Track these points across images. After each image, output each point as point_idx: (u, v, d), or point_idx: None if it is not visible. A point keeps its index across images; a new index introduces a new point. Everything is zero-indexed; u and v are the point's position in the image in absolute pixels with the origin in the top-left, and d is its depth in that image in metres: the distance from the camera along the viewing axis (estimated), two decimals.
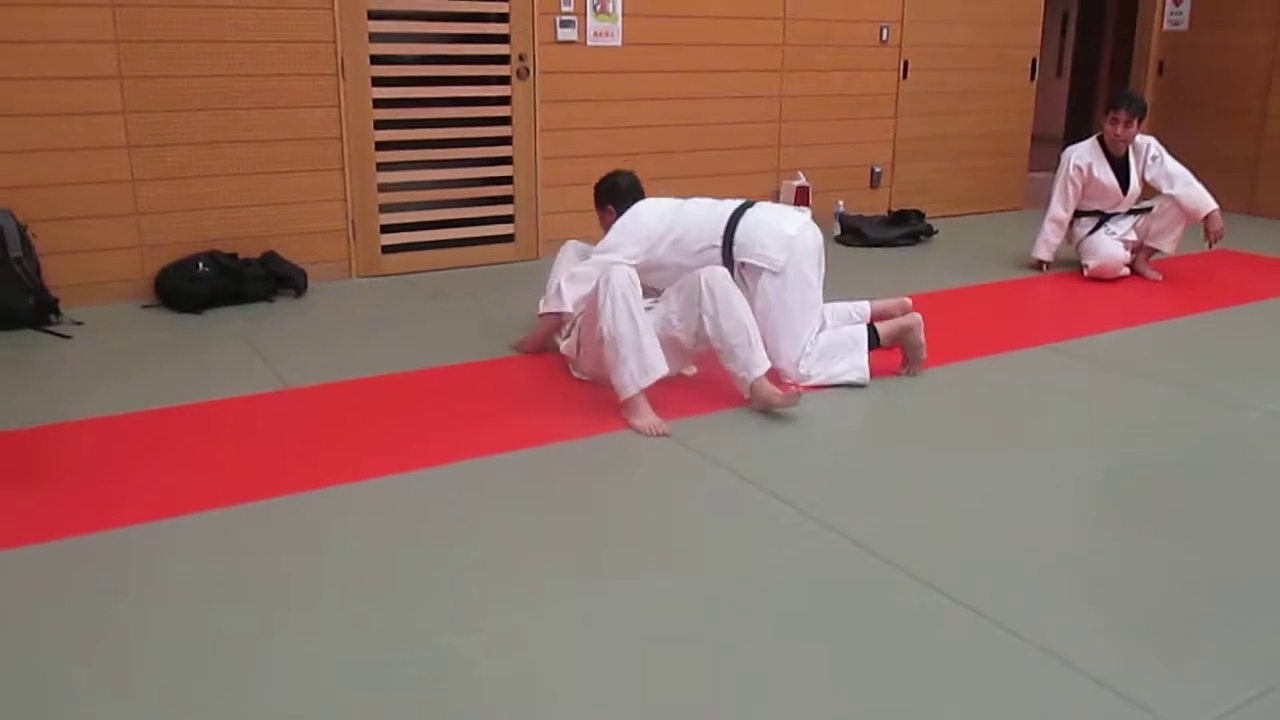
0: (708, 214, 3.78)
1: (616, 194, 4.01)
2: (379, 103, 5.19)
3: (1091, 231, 5.44)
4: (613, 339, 3.28)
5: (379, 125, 5.22)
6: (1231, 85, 7.56)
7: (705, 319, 3.37)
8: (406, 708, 1.91)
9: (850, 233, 6.39)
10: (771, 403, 3.32)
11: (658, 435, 3.21)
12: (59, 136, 4.51)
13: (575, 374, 3.67)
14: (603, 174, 4.11)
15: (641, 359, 3.28)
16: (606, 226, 3.97)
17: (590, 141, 5.76)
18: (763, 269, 3.60)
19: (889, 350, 3.78)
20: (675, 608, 2.25)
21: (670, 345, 3.44)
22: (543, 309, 3.84)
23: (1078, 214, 5.50)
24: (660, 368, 3.30)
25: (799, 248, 3.61)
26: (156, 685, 1.97)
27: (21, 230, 4.36)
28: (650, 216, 3.83)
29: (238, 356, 4.00)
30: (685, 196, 4.08)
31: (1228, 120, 7.57)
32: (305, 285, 4.96)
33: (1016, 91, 7.46)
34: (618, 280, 3.31)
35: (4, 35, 4.34)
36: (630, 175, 4.07)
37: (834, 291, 4.16)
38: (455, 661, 2.05)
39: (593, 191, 4.10)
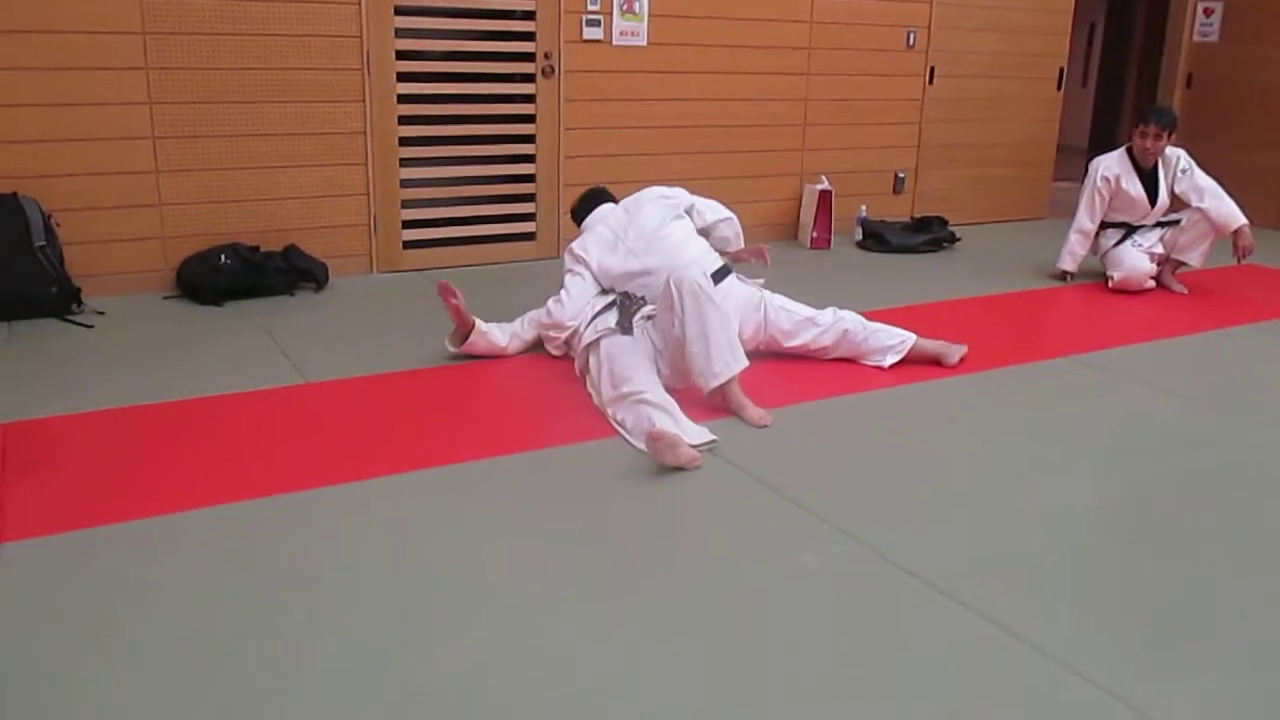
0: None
1: (579, 217, 4.14)
2: (403, 98, 5.20)
3: (1118, 243, 5.39)
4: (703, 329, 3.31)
5: (403, 121, 5.22)
6: (1263, 99, 7.48)
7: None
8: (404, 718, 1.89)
9: (872, 238, 6.36)
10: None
11: (764, 425, 3.27)
12: (84, 126, 4.53)
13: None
14: (625, 173, 4.11)
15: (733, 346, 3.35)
16: None
17: (614, 141, 5.75)
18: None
19: (914, 355, 3.90)
20: (690, 616, 2.23)
21: (671, 361, 3.48)
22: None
23: (1104, 225, 5.45)
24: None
25: None
26: (156, 688, 1.96)
27: (45, 219, 4.38)
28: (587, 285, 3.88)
29: (257, 349, 4.00)
30: (701, 195, 4.14)
31: (1258, 134, 7.49)
32: (326, 279, 4.96)
33: (1042, 100, 7.41)
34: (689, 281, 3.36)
35: (31, 25, 4.35)
36: (581, 201, 4.16)
37: (855, 298, 4.14)
38: (472, 665, 2.03)
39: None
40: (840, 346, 3.90)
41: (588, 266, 3.85)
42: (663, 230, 3.87)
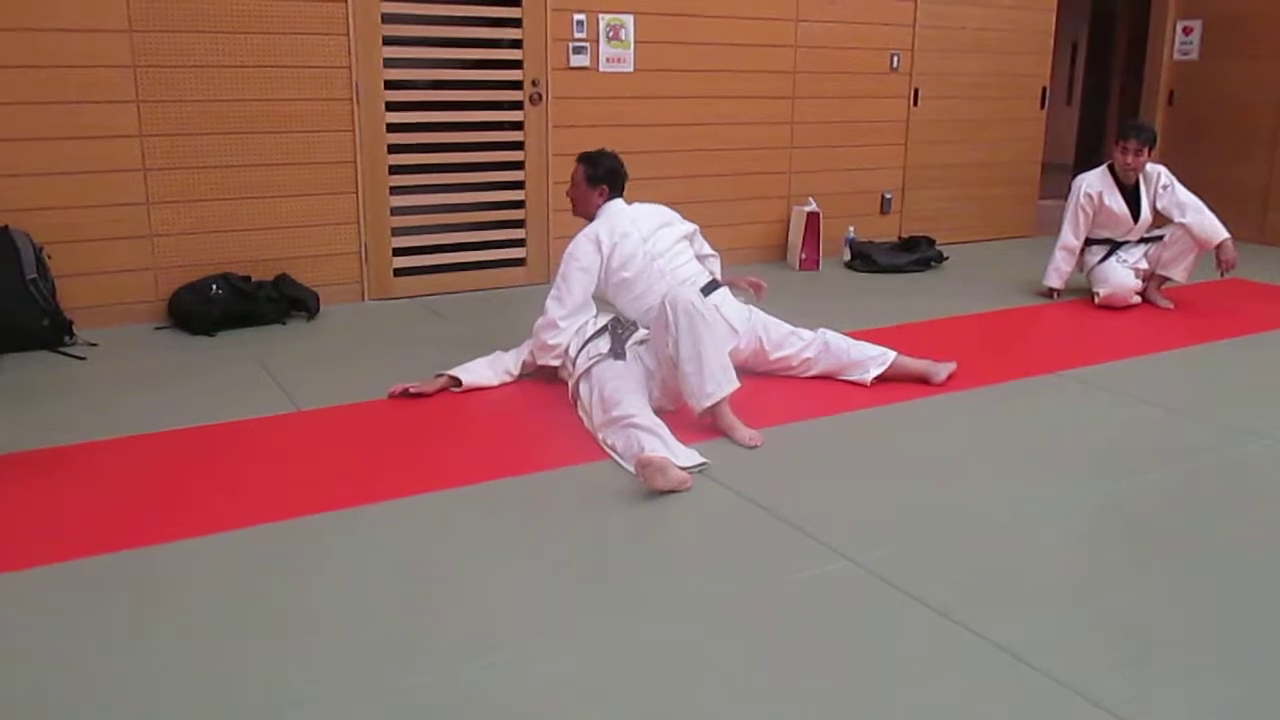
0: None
1: (615, 180, 3.99)
2: (392, 127, 5.24)
3: (1103, 260, 5.44)
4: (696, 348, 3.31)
5: (392, 149, 5.26)
6: (1242, 115, 7.56)
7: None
8: None
9: (860, 259, 6.40)
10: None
11: (755, 446, 3.28)
12: (76, 159, 4.55)
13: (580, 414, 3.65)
14: None
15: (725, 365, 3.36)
16: (584, 201, 3.99)
17: None
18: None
19: (900, 374, 3.94)
20: (683, 636, 2.25)
21: (663, 384, 3.51)
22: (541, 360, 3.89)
23: (1089, 242, 5.50)
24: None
25: None
26: (168, 712, 1.96)
27: (37, 252, 4.39)
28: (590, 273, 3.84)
29: (250, 378, 4.02)
30: (692, 222, 4.16)
31: (1238, 149, 7.57)
32: (317, 308, 4.98)
33: (1026, 119, 7.49)
34: (684, 300, 3.35)
35: (23, 59, 4.39)
36: (620, 162, 4.01)
37: (844, 318, 4.17)
38: (469, 690, 2.04)
39: (584, 158, 4.00)
40: (823, 360, 3.94)
41: (599, 261, 3.82)
42: (675, 248, 3.95)
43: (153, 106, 4.66)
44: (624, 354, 3.55)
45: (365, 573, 2.50)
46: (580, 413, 3.54)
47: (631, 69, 5.82)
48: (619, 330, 3.66)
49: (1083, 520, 2.87)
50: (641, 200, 4.08)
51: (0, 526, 2.71)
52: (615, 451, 3.20)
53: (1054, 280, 5.52)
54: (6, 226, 4.37)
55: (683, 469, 3.00)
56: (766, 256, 6.52)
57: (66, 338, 4.42)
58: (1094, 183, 5.40)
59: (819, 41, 6.41)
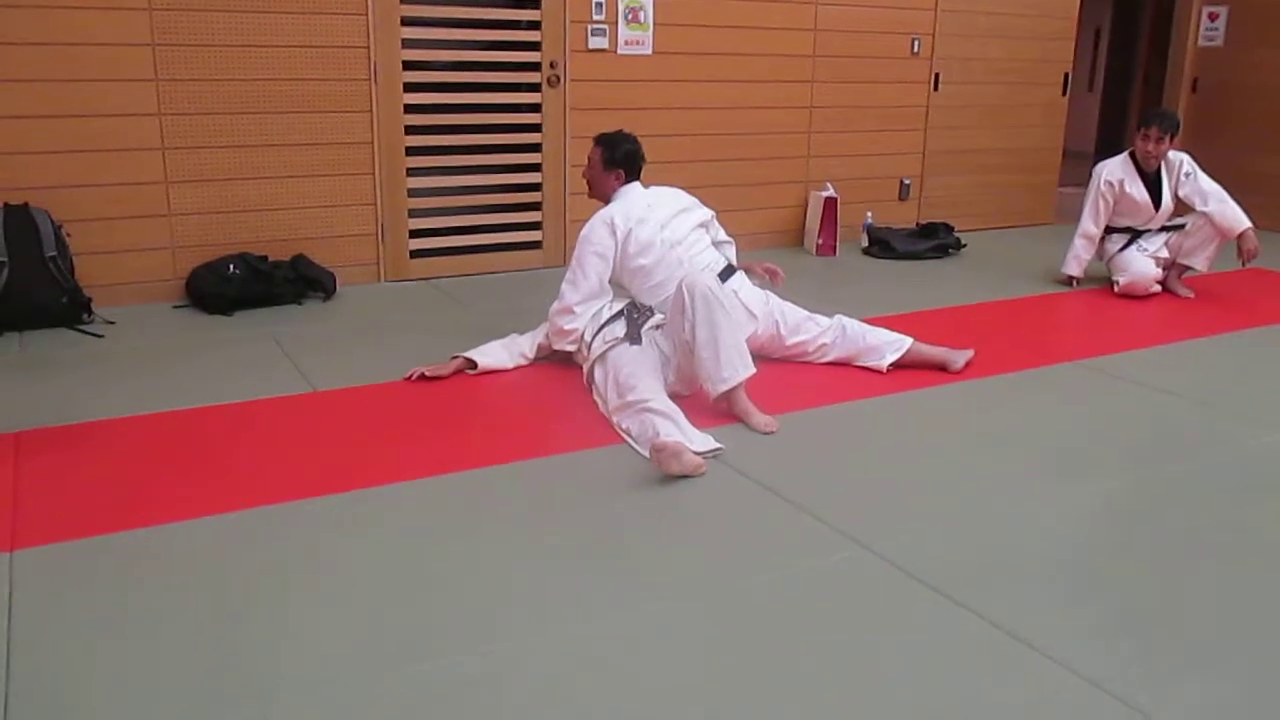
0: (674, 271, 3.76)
1: (633, 163, 3.94)
2: (410, 108, 5.23)
3: (1123, 248, 5.39)
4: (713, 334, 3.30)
5: (409, 130, 5.25)
6: (1267, 102, 7.48)
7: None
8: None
9: (878, 245, 6.37)
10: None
11: (770, 432, 3.28)
12: (95, 137, 4.57)
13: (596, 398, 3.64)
14: None
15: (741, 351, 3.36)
16: (600, 184, 3.95)
17: None
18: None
19: (917, 361, 3.92)
20: (696, 621, 2.25)
21: (679, 369, 3.50)
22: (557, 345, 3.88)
23: (1109, 230, 5.46)
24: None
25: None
26: (172, 690, 1.97)
27: (56, 229, 4.41)
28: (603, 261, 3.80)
29: (266, 358, 4.03)
30: (709, 207, 4.12)
31: (1263, 138, 7.49)
32: (334, 288, 4.99)
33: (1048, 106, 7.42)
34: (702, 285, 3.34)
35: (41, 37, 4.40)
36: (638, 145, 3.96)
37: (861, 304, 4.14)
38: (476, 673, 2.05)
39: (602, 141, 3.94)
40: (839, 346, 3.93)
41: (614, 245, 3.78)
42: (692, 235, 3.92)
43: (172, 85, 4.66)
44: (639, 339, 3.55)
45: (377, 554, 2.51)
46: (595, 397, 3.54)
47: (650, 52, 5.79)
48: (635, 315, 3.65)
49: (1100, 510, 2.86)
50: (658, 184, 4.06)
51: (17, 502, 2.73)
52: (630, 436, 3.20)
53: (1073, 268, 5.48)
54: (26, 204, 4.39)
55: (697, 454, 2.99)
56: (783, 242, 6.49)
57: (85, 315, 4.44)
58: (1115, 170, 5.36)
59: (839, 26, 6.37)
